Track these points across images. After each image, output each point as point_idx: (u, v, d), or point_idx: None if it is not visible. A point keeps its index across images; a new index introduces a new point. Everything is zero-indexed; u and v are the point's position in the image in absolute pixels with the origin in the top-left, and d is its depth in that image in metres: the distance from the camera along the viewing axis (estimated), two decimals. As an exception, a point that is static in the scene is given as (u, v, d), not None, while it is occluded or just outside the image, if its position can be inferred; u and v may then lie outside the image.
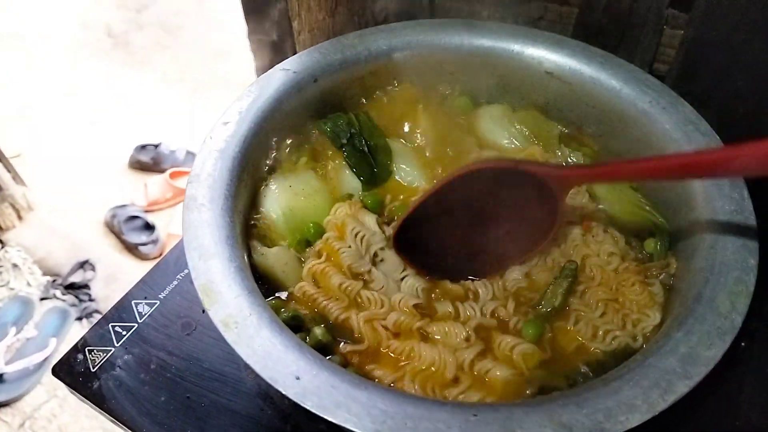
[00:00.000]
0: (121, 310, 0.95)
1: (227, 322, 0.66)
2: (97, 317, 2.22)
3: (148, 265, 2.42)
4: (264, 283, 0.83)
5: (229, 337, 0.65)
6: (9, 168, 2.44)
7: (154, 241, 2.48)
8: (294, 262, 0.84)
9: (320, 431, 0.84)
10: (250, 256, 0.83)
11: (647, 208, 0.89)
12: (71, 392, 0.88)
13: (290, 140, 0.95)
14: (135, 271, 2.41)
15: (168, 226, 2.57)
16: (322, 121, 0.97)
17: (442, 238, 0.84)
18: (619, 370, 0.65)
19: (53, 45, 3.43)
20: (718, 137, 0.84)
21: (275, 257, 0.83)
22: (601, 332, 0.78)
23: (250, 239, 0.85)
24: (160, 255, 2.47)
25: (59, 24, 3.56)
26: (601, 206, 0.90)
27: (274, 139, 0.91)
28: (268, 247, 0.85)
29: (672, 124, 0.87)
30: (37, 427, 1.96)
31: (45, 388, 2.04)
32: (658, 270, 0.83)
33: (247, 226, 0.86)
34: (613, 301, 0.81)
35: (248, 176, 0.85)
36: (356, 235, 0.84)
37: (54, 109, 3.03)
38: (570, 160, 0.96)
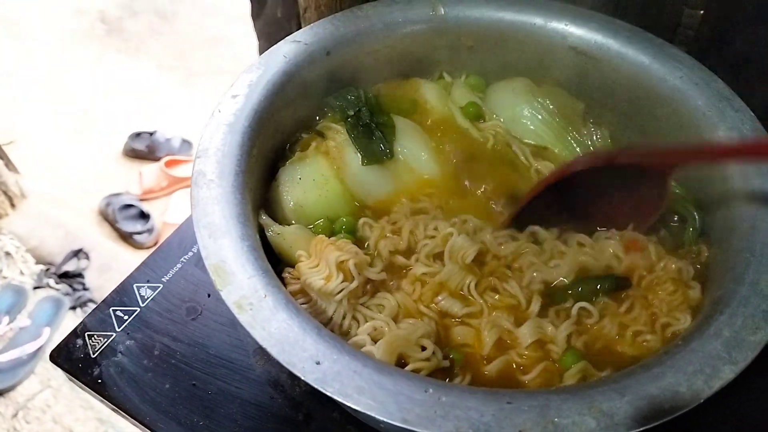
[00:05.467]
0: (123, 294, 0.90)
1: (241, 304, 0.62)
2: (91, 306, 2.18)
3: (143, 254, 2.40)
4: (278, 262, 0.79)
5: (244, 319, 0.61)
6: (2, 155, 2.40)
7: (149, 230, 2.45)
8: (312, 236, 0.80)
9: (334, 419, 0.80)
10: (262, 235, 0.79)
11: (677, 191, 0.86)
12: (70, 379, 0.84)
13: (301, 117, 0.91)
14: (130, 260, 2.38)
15: (163, 214, 2.53)
16: (332, 96, 0.93)
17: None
18: (660, 355, 0.61)
19: (46, 31, 3.37)
20: (752, 114, 0.81)
21: (292, 236, 0.79)
22: (629, 333, 0.74)
23: (261, 216, 0.81)
24: (155, 244, 2.44)
25: (52, 10, 3.50)
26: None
27: (285, 115, 0.87)
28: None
29: (704, 101, 0.83)
30: (31, 417, 1.93)
31: (39, 378, 2.01)
32: (687, 259, 0.79)
33: (257, 204, 0.81)
34: (642, 298, 0.77)
35: (259, 151, 0.80)
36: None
37: (47, 96, 2.98)
38: (595, 138, 0.93)
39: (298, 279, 0.76)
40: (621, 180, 0.79)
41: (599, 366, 0.71)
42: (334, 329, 0.73)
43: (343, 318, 0.73)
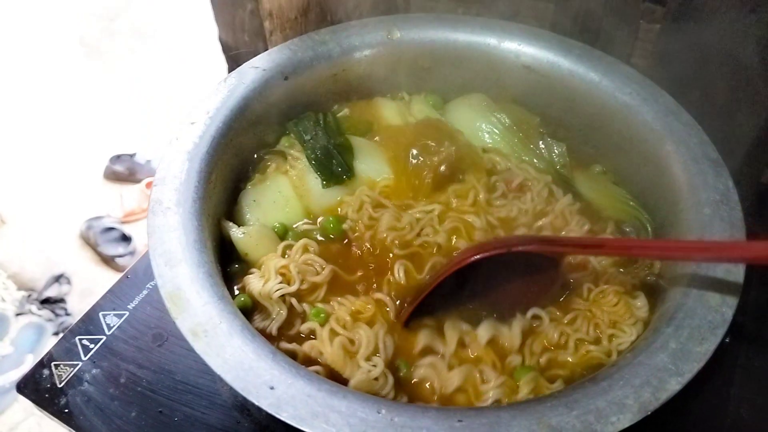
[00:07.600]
0: (89, 323, 0.90)
1: (196, 331, 0.63)
2: (74, 331, 2.17)
3: (125, 277, 2.39)
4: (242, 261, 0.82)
5: (198, 346, 0.62)
6: (-21, 182, 2.38)
7: (131, 253, 2.43)
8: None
9: (300, 443, 0.80)
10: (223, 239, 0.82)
11: (631, 203, 0.87)
12: (38, 409, 0.84)
13: (261, 141, 0.92)
14: (112, 283, 2.35)
15: (145, 237, 2.50)
16: (292, 122, 0.94)
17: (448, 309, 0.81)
18: (609, 368, 0.63)
19: (24, 54, 3.36)
20: (699, 127, 0.83)
21: (258, 234, 0.82)
22: (572, 342, 0.75)
23: (223, 221, 0.83)
24: (138, 267, 2.42)
25: (30, 33, 3.49)
26: (585, 202, 0.89)
27: (245, 139, 0.88)
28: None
29: (653, 115, 0.85)
30: (15, 446, 1.91)
31: (22, 406, 1.97)
32: (642, 271, 0.81)
33: (217, 230, 0.82)
34: (587, 311, 0.78)
35: (218, 177, 0.82)
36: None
37: (26, 120, 2.96)
38: (554, 152, 0.94)
39: None
40: (519, 265, 0.77)
41: (551, 379, 0.72)
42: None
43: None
